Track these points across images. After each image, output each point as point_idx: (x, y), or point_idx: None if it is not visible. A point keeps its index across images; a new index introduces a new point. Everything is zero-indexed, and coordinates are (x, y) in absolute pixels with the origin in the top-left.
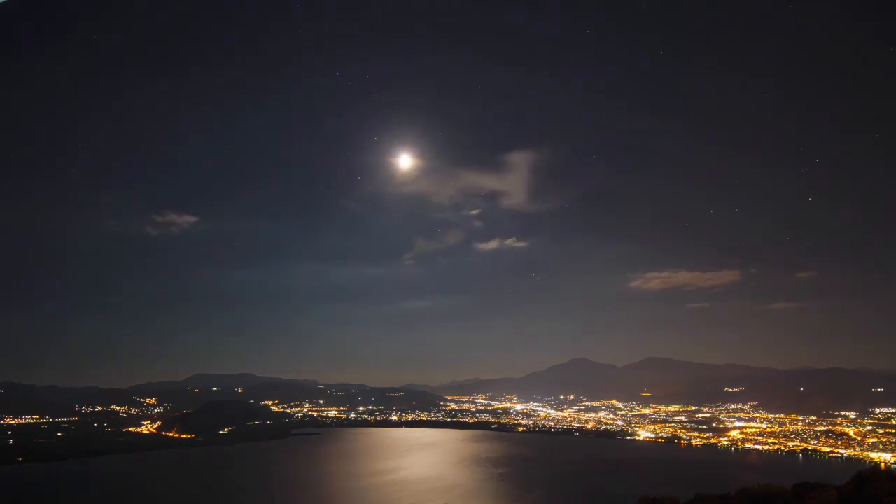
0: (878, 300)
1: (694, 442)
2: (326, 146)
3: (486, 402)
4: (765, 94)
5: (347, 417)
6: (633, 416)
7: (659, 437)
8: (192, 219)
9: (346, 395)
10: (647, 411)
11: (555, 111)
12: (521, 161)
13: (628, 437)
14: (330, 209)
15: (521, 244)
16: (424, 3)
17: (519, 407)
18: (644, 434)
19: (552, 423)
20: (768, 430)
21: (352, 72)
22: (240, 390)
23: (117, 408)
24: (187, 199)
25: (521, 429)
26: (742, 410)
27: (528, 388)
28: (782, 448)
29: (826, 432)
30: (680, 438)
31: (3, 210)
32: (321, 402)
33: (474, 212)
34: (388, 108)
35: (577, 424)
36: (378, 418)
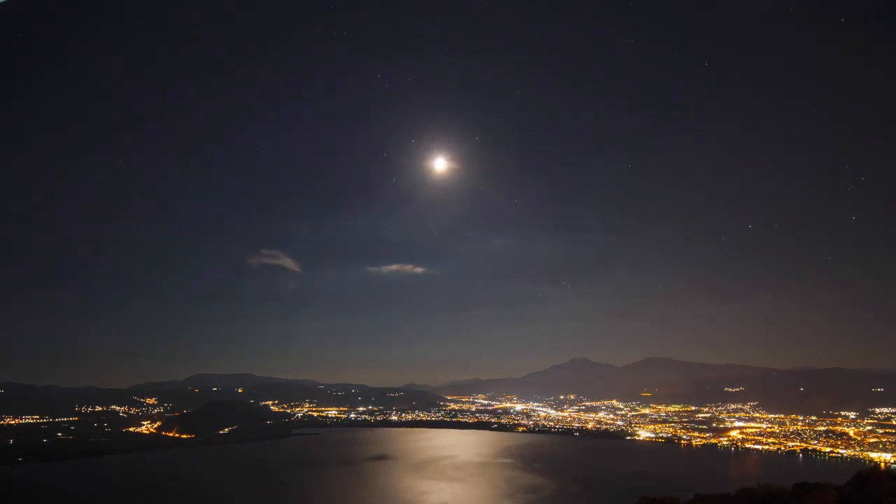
0: (878, 300)
1: (694, 442)
2: (364, 148)
3: (486, 402)
4: (812, 110)
5: (347, 417)
6: (633, 416)
7: (659, 437)
8: (202, 222)
9: (346, 395)
10: (647, 411)
11: (587, 122)
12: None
13: (628, 438)
14: (341, 212)
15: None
16: (474, 10)
17: (519, 407)
18: (644, 434)
19: (552, 423)
20: (768, 430)
21: (394, 74)
22: (240, 390)
23: (117, 408)
24: (197, 201)
25: (521, 429)
26: (742, 410)
27: (528, 388)
28: (782, 448)
29: (826, 432)
30: (680, 438)
31: (3, 209)
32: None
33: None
34: (427, 112)
35: (577, 424)
36: (378, 418)
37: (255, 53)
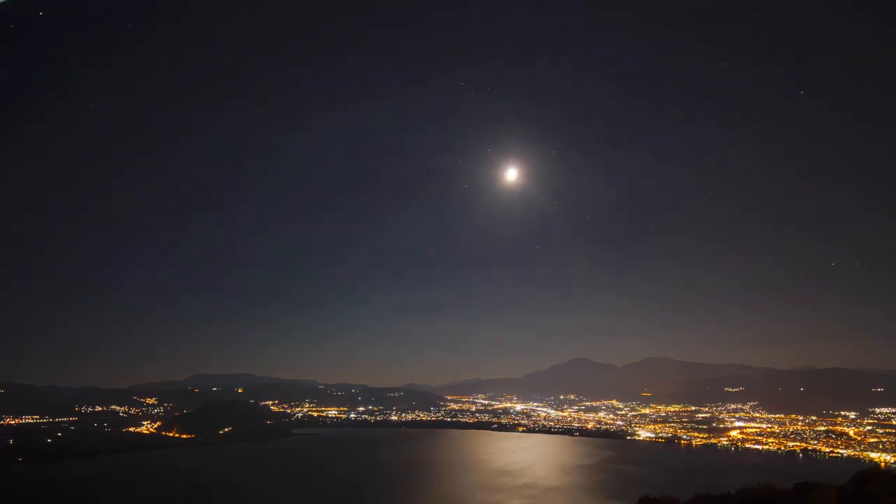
0: (879, 300)
1: (694, 442)
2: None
3: (486, 402)
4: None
5: (347, 417)
6: (633, 416)
7: (659, 437)
8: (200, 222)
9: (346, 395)
10: (647, 411)
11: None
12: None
13: (628, 437)
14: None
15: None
16: (556, 23)
17: (519, 407)
18: (644, 434)
19: (552, 423)
20: (768, 430)
21: (475, 81)
22: (240, 390)
23: (117, 408)
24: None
25: (521, 429)
26: (742, 410)
27: (529, 388)
28: (782, 448)
29: (826, 432)
30: (680, 438)
31: (4, 208)
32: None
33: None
34: (506, 121)
35: (576, 424)
36: (378, 418)
37: (336, 50)
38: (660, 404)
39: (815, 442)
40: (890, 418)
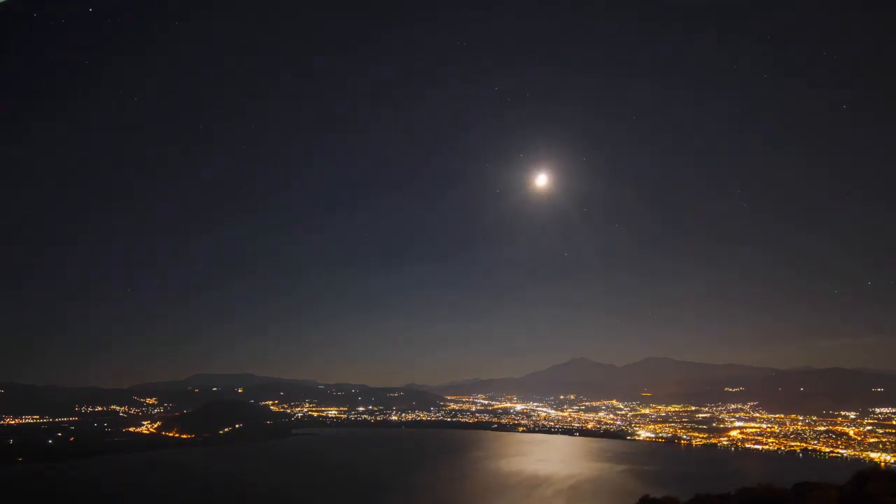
0: (878, 300)
1: (694, 442)
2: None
3: (486, 402)
4: None
5: (347, 417)
6: (633, 416)
7: (659, 437)
8: (201, 223)
9: (346, 395)
10: (647, 411)
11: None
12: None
13: (628, 437)
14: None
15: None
16: (590, 30)
17: (519, 407)
18: (644, 434)
19: (552, 423)
20: (768, 430)
21: (510, 86)
22: (240, 390)
23: (117, 408)
24: (204, 203)
25: (521, 429)
26: (742, 410)
27: (529, 388)
28: (782, 448)
29: (826, 432)
30: (680, 438)
31: (4, 210)
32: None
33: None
34: (538, 127)
35: (576, 424)
36: (378, 418)
37: (372, 47)
38: (660, 404)
39: (815, 442)
40: (890, 418)
